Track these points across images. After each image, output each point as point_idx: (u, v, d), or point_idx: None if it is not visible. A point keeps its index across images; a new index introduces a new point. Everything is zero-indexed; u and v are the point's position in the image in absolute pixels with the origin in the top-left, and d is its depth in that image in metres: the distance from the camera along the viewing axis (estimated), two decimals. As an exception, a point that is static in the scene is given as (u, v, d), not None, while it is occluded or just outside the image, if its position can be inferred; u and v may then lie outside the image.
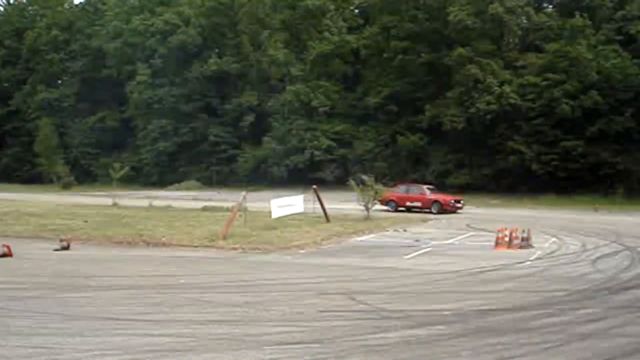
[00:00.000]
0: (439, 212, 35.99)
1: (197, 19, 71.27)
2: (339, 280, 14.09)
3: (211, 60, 68.03)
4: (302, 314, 10.72)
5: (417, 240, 21.83)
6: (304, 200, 27.70)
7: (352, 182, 31.33)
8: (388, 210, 36.57)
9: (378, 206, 34.02)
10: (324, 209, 28.02)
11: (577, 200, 44.31)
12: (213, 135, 67.15)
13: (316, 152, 59.74)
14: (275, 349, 8.46)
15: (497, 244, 20.21)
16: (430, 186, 41.34)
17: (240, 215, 24.22)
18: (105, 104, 77.21)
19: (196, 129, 68.21)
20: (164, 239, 21.24)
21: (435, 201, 37.67)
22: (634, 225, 29.26)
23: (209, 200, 42.28)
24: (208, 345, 8.59)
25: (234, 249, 19.51)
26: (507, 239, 20.22)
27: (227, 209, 30.12)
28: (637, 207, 39.92)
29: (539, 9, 61.46)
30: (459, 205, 37.73)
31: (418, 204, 37.94)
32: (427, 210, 36.91)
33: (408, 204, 38.18)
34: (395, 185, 38.90)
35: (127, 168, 47.11)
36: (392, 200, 37.90)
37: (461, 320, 10.29)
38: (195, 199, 45.42)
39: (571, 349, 8.63)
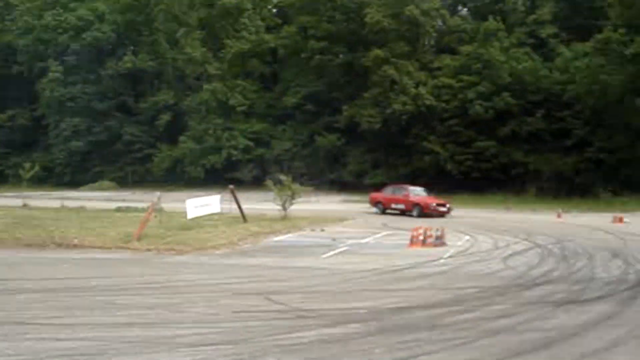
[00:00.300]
0: (419, 216, 33.92)
1: (112, 15, 69.51)
2: (255, 281, 14.00)
3: (126, 58, 66.65)
4: (217, 315, 10.59)
5: (333, 240, 21.88)
6: (221, 201, 27.46)
7: (269, 182, 31.20)
8: (377, 213, 36.29)
9: (368, 208, 33.74)
10: (240, 209, 27.81)
11: (490, 199, 45.32)
12: (128, 134, 65.89)
13: (233, 152, 59.33)
14: (189, 351, 8.33)
15: (411, 242, 20.48)
16: (419, 188, 38.45)
17: (155, 216, 23.83)
18: (16, 101, 74.57)
19: (110, 128, 66.67)
20: (76, 240, 20.62)
21: (416, 204, 35.49)
22: (544, 223, 30.19)
23: (124, 200, 41.42)
24: (120, 348, 8.39)
25: (149, 250, 19.11)
26: (421, 237, 20.51)
27: (142, 210, 29.60)
28: (547, 205, 41.13)
29: (453, 12, 62.80)
30: (442, 209, 34.99)
31: (401, 206, 36.13)
32: (410, 213, 35.17)
33: (393, 206, 36.65)
34: (384, 186, 38.30)
35: (37, 168, 45.66)
36: (379, 202, 37.35)
37: (376, 318, 10.36)
38: (109, 199, 44.45)
39: (482, 344, 8.80)
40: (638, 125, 46.31)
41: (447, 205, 35.36)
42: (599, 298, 12.29)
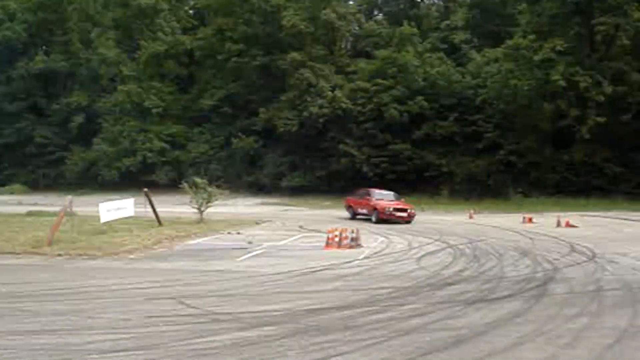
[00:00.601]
0: (377, 222, 31.79)
1: (23, 14, 67.56)
2: (169, 285, 13.81)
3: (38, 58, 65.01)
4: (130, 320, 10.40)
5: (249, 243, 21.81)
6: (136, 204, 27.04)
7: (185, 185, 30.91)
8: (348, 218, 35.10)
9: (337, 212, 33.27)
10: (155, 213, 27.42)
11: (405, 201, 45.90)
12: (40, 136, 64.24)
13: (149, 155, 58.52)
14: (100, 358, 8.19)
15: (327, 244, 20.61)
16: (386, 191, 35.88)
17: (67, 220, 23.27)
18: None
19: (21, 130, 64.77)
20: (-17, 245, 20.03)
21: (374, 208, 32.95)
22: (457, 224, 30.83)
23: (35, 204, 40.37)
24: (28, 356, 8.18)
25: (60, 255, 18.60)
26: (337, 239, 20.66)
27: (54, 214, 28.88)
28: (460, 206, 42.09)
29: (369, 17, 63.63)
30: (402, 214, 32.12)
31: (365, 210, 34.12)
32: (370, 218, 33.20)
33: (359, 210, 34.81)
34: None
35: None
36: (350, 206, 35.98)
37: (291, 320, 10.38)
38: (19, 203, 43.24)
39: (395, 343, 8.93)
40: (545, 128, 47.95)
41: (409, 211, 32.44)
42: (509, 296, 12.61)
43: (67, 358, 8.15)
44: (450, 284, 13.94)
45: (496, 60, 50.02)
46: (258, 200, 49.69)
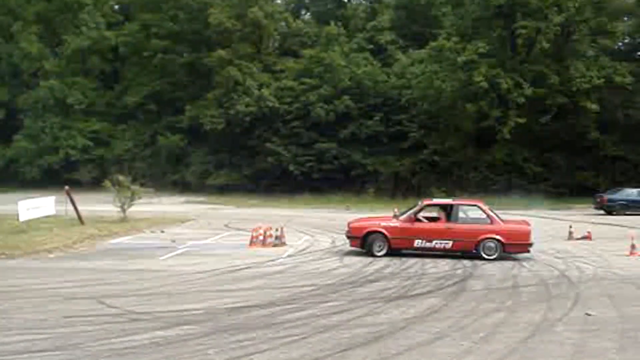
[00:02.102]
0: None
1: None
2: (89, 285, 13.57)
3: (-44, 52, 63.01)
4: (46, 320, 10.21)
5: (173, 241, 21.60)
6: (57, 202, 26.48)
7: (107, 183, 30.39)
8: None
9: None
10: (77, 211, 26.86)
11: (331, 199, 46.27)
12: (-43, 132, 62.25)
13: (72, 152, 57.36)
14: (15, 359, 8.02)
15: (251, 242, 20.58)
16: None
17: (-16, 218, 22.65)
18: None
19: (-64, 126, 62.73)
20: None
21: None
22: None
23: (-50, 202, 39.11)
24: (-63, 358, 7.95)
25: (-24, 254, 18.15)
26: (261, 237, 20.65)
27: (-30, 212, 28.06)
28: (385, 205, 42.41)
29: (297, 16, 63.67)
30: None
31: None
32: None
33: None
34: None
35: None
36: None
37: (212, 319, 10.36)
38: None
39: (314, 340, 9.01)
40: (468, 129, 48.91)
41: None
42: (428, 292, 12.88)
43: (-20, 359, 7.96)
44: (371, 281, 14.14)
45: (421, 61, 50.66)
46: (183, 198, 49.22)
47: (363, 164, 51.08)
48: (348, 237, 19.12)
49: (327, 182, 49.99)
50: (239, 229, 26.56)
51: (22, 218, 23.21)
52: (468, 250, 18.05)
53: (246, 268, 16.00)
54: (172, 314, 10.72)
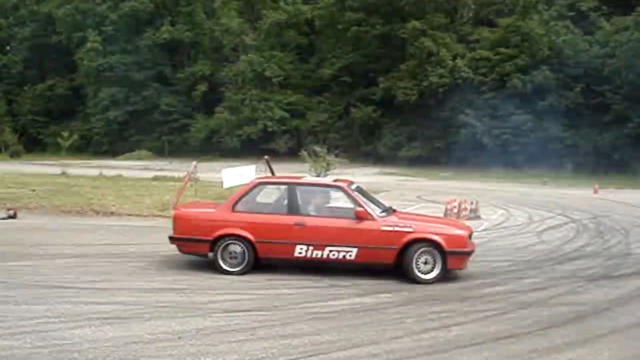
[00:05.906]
0: None
1: (149, -15, 69.99)
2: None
3: (163, 28, 67.21)
4: (250, 282, 10.67)
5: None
6: (257, 171, 27.58)
7: (304, 153, 31.27)
8: None
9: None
10: (276, 179, 27.80)
11: (526, 174, 45.00)
12: (165, 104, 66.59)
13: (269, 123, 59.62)
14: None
15: (445, 214, 20.42)
16: None
17: (191, 185, 23.99)
18: (55, 71, 75.80)
19: (148, 98, 67.41)
20: (113, 208, 20.92)
21: None
22: (580, 199, 29.88)
23: (160, 169, 41.88)
24: (155, 312, 8.53)
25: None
26: (455, 210, 20.42)
27: (178, 179, 29.86)
28: (584, 181, 40.72)
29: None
30: None
31: None
32: None
33: None
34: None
35: (76, 137, 46.30)
36: None
37: (407, 289, 10.39)
38: (146, 168, 44.93)
39: (512, 316, 8.80)
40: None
41: None
42: (634, 274, 12.19)
43: (193, 313, 8.45)
44: (572, 259, 13.57)
45: (626, 28, 47.91)
46: (376, 170, 49.66)
47: (561, 137, 49.07)
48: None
49: (522, 156, 48.57)
50: (431, 201, 26.46)
51: (226, 185, 24.28)
52: None
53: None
54: (369, 281, 10.85)
